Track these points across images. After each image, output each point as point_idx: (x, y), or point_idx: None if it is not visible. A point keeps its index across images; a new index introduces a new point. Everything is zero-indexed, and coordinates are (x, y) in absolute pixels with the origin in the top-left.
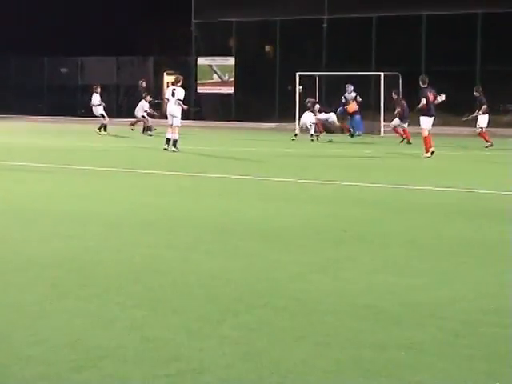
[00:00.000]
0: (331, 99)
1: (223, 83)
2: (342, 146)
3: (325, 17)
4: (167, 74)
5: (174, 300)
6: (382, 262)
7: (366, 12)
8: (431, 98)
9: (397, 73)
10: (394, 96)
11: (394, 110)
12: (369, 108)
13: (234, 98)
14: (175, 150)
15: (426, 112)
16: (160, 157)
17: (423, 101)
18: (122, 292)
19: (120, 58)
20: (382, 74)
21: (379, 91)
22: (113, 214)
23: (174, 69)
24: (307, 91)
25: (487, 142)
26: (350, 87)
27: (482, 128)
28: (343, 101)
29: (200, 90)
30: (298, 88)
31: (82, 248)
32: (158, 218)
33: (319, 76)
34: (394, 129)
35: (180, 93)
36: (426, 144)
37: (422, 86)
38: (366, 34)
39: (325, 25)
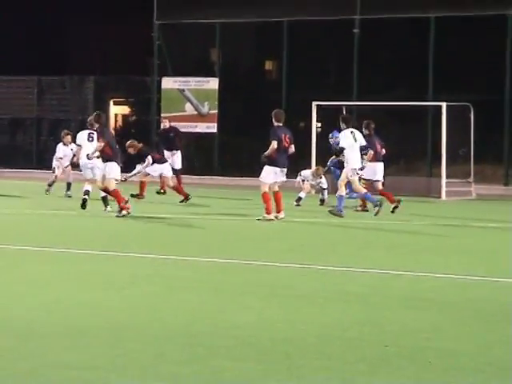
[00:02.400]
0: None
1: (201, 117)
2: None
3: (356, 17)
4: (115, 102)
5: None
6: None
7: (421, 10)
8: None
9: (466, 103)
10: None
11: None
12: (422, 156)
13: (217, 139)
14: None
15: None
16: (99, 229)
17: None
18: None
19: (43, 79)
20: (443, 104)
21: (439, 129)
22: (27, 319)
23: (125, 94)
24: (329, 131)
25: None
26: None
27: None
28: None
29: (165, 127)
30: (316, 126)
31: None
32: (98, 324)
33: (347, 107)
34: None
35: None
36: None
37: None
38: (420, 41)
39: (356, 29)
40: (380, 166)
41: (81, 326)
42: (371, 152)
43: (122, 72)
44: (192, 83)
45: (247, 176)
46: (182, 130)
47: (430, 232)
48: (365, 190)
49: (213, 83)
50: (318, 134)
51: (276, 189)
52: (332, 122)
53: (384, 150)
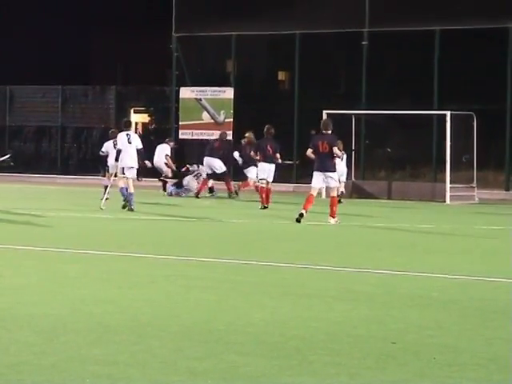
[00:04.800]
0: (373, 149)
1: (217, 125)
2: (382, 217)
3: (365, 30)
4: (136, 111)
5: None
6: None
7: (426, 23)
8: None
9: (469, 112)
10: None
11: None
12: (427, 162)
13: (232, 146)
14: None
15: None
16: (122, 231)
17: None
18: None
19: (67, 88)
20: (448, 113)
21: (444, 137)
22: (53, 315)
23: (145, 103)
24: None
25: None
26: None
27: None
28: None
29: (183, 134)
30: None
31: (5, 367)
32: (120, 321)
33: (356, 116)
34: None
35: None
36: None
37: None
38: (425, 53)
39: (365, 42)
40: (265, 165)
41: (103, 322)
42: (252, 153)
43: (142, 82)
44: (208, 93)
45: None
46: (199, 137)
47: (435, 234)
48: (123, 185)
49: (228, 93)
50: None
51: (333, 194)
52: (341, 129)
53: (278, 154)
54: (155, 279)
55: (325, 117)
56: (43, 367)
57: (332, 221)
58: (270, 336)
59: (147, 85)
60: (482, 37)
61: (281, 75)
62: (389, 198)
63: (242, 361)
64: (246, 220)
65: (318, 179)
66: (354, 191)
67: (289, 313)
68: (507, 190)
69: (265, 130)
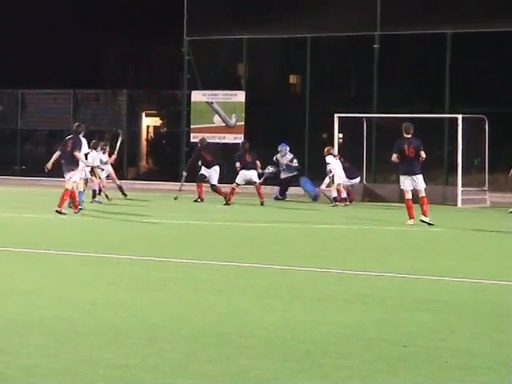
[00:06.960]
0: (384, 152)
1: (228, 129)
2: (393, 220)
3: (376, 33)
4: (147, 114)
5: None
6: None
7: (438, 26)
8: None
9: (481, 115)
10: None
11: None
12: (439, 165)
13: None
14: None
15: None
16: (133, 234)
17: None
18: None
19: (78, 92)
20: (459, 116)
21: (455, 140)
22: (64, 318)
23: (156, 107)
24: (350, 141)
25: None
26: (283, 147)
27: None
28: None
29: (195, 138)
30: (338, 137)
31: (17, 370)
32: (131, 324)
33: (367, 119)
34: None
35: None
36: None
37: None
38: (437, 56)
39: (376, 45)
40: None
41: (115, 326)
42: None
43: (154, 86)
44: (220, 96)
45: (273, 185)
46: (211, 140)
47: (446, 238)
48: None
49: (240, 96)
50: (339, 145)
51: (421, 194)
52: (353, 132)
53: (258, 162)
54: (166, 282)
55: (336, 120)
56: (55, 370)
57: (426, 219)
58: (281, 339)
59: (159, 88)
60: (494, 39)
61: (292, 78)
62: (400, 202)
63: (253, 364)
64: (257, 223)
65: (407, 182)
66: (366, 194)
67: (300, 316)
68: None
69: (240, 145)
